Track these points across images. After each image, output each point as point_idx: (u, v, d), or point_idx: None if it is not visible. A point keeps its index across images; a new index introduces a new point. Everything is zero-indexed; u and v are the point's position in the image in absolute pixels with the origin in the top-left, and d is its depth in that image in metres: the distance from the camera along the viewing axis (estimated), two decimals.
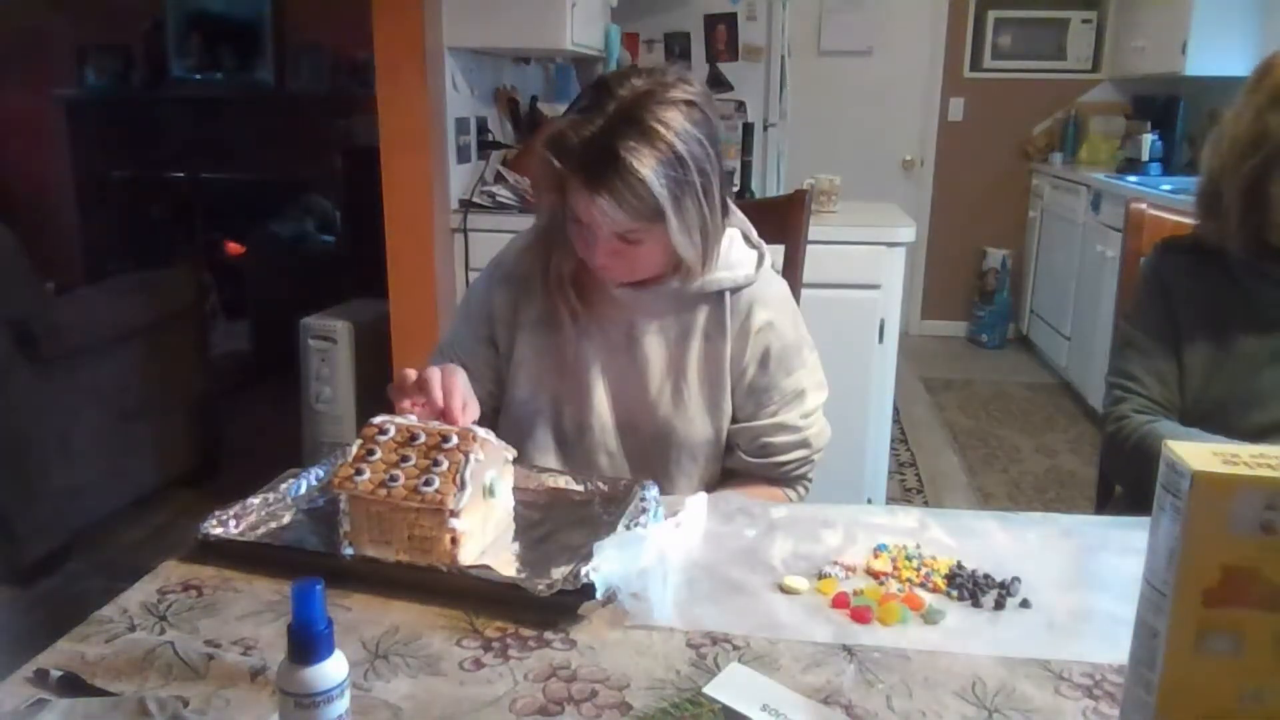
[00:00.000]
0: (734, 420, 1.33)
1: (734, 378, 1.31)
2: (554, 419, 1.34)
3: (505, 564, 0.99)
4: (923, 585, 0.97)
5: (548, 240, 1.30)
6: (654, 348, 1.30)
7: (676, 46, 3.62)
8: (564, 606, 0.90)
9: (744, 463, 1.34)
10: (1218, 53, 4.13)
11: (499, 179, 2.78)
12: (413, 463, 0.99)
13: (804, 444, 1.33)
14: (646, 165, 1.10)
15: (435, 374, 1.10)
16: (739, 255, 1.31)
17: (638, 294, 1.28)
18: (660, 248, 1.20)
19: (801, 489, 1.38)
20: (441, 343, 1.42)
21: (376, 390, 3.17)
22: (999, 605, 0.94)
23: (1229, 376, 1.33)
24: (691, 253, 1.20)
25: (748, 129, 2.91)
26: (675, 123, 1.12)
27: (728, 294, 1.29)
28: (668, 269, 1.25)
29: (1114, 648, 0.81)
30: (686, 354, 1.30)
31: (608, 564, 0.93)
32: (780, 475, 1.35)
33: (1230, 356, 1.33)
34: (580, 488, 1.18)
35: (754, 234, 1.35)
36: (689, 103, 1.15)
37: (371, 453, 1.00)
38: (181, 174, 5.20)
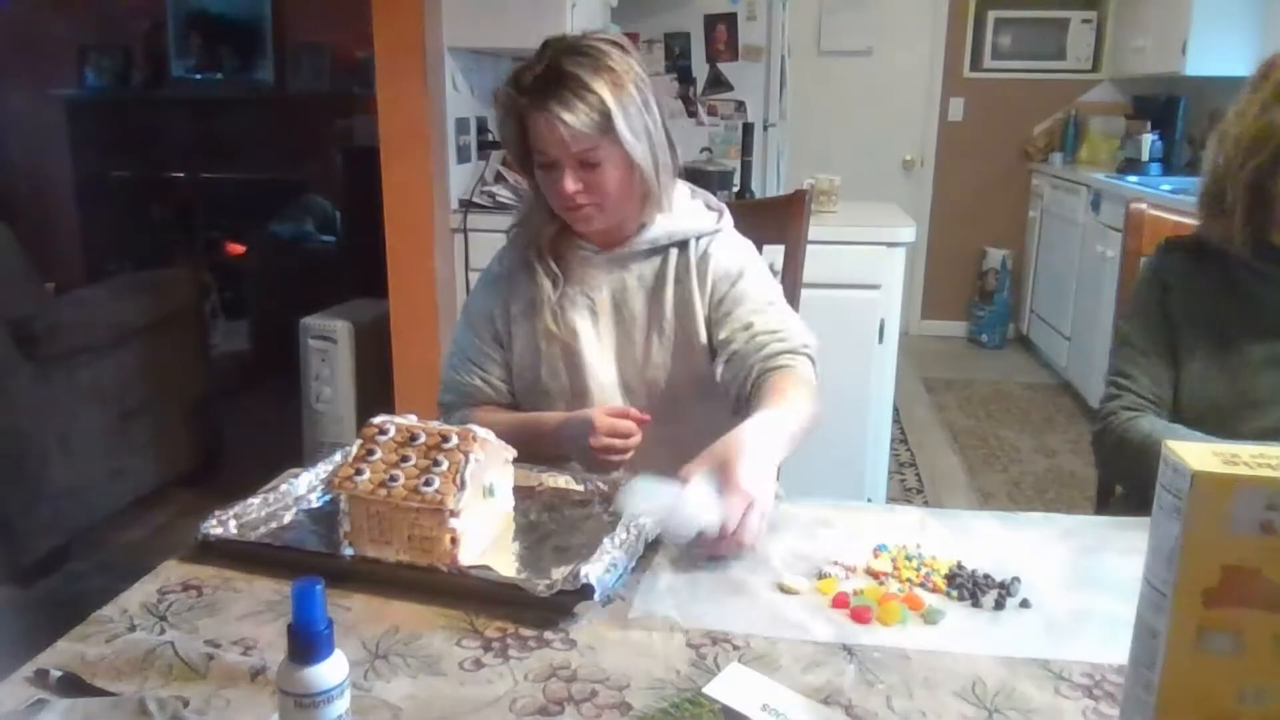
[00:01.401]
0: (714, 347, 1.40)
1: (709, 308, 1.40)
2: (558, 393, 1.42)
3: (505, 564, 0.99)
4: (923, 585, 0.97)
5: (528, 227, 1.44)
6: (637, 304, 1.42)
7: (676, 46, 3.62)
8: (564, 606, 0.90)
9: (733, 350, 1.35)
10: (1218, 53, 4.13)
11: (499, 179, 2.78)
12: (413, 463, 0.99)
13: (783, 324, 1.36)
14: (588, 74, 1.28)
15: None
16: (701, 212, 1.45)
17: (613, 254, 1.41)
18: (617, 169, 1.33)
19: (805, 367, 1.33)
20: (453, 353, 1.51)
21: (376, 390, 3.16)
22: (999, 605, 0.94)
23: (1227, 379, 1.32)
24: (645, 158, 1.33)
25: (748, 129, 2.91)
26: (604, 47, 1.32)
27: (692, 241, 1.42)
28: (630, 205, 1.37)
29: (1114, 648, 0.81)
30: (663, 302, 1.41)
31: (637, 501, 1.00)
32: (779, 356, 1.33)
33: (1229, 359, 1.32)
34: (580, 488, 1.18)
35: (714, 201, 1.49)
36: (611, 40, 1.35)
37: (371, 453, 1.01)
38: (181, 174, 5.20)
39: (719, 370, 1.37)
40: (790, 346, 1.34)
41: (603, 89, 1.28)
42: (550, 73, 1.30)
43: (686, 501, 0.99)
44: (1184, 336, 1.35)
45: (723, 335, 1.38)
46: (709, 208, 1.47)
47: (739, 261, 1.42)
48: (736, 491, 0.99)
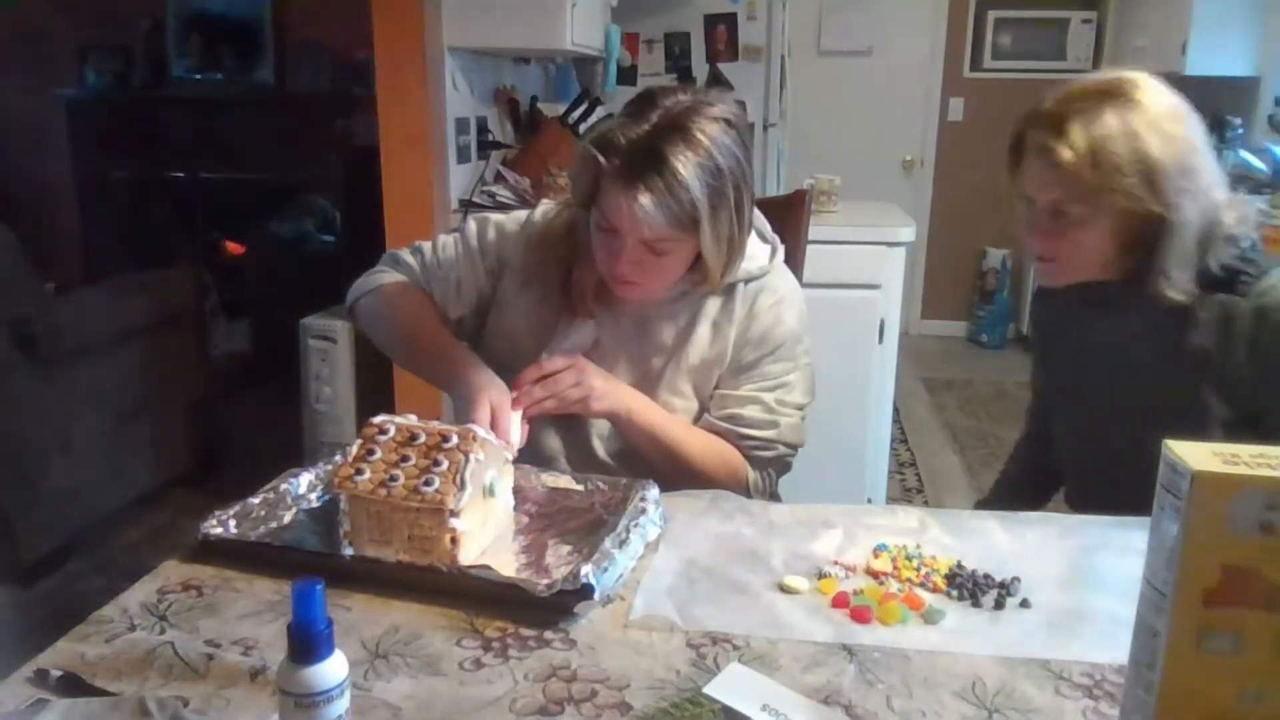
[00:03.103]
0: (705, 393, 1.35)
1: (730, 363, 1.34)
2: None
3: (505, 564, 0.99)
4: (923, 585, 0.97)
5: (573, 246, 1.31)
6: (665, 332, 1.33)
7: (676, 46, 3.62)
8: (564, 606, 0.90)
9: (711, 424, 1.33)
10: (1218, 53, 4.13)
11: (499, 179, 2.78)
12: (413, 463, 0.99)
13: (773, 425, 1.32)
14: (689, 169, 1.13)
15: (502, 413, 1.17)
16: (754, 249, 1.33)
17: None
18: (682, 261, 1.24)
19: (764, 478, 1.36)
20: (428, 254, 1.40)
21: (376, 390, 3.16)
22: (999, 605, 0.94)
23: (1070, 413, 1.44)
24: (717, 262, 1.23)
25: (748, 129, 2.91)
26: (717, 136, 1.16)
27: (740, 285, 1.32)
28: (681, 282, 1.29)
29: (1114, 648, 0.81)
30: (692, 337, 1.32)
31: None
32: (743, 449, 1.33)
33: (1069, 393, 1.43)
34: (580, 488, 1.18)
35: (768, 230, 1.39)
36: (728, 121, 1.19)
37: (371, 453, 1.00)
38: (181, 174, 5.19)
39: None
40: (762, 454, 1.33)
41: (699, 191, 1.14)
42: (646, 148, 1.14)
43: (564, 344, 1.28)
44: (1043, 373, 1.49)
45: (714, 397, 1.34)
46: (763, 238, 1.37)
47: (784, 331, 1.33)
48: (577, 363, 1.24)
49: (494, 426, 1.14)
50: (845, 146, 5.21)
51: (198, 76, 5.11)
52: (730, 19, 3.57)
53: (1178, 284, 1.18)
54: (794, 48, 4.20)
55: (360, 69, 4.57)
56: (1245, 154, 4.08)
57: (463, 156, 2.79)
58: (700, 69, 3.63)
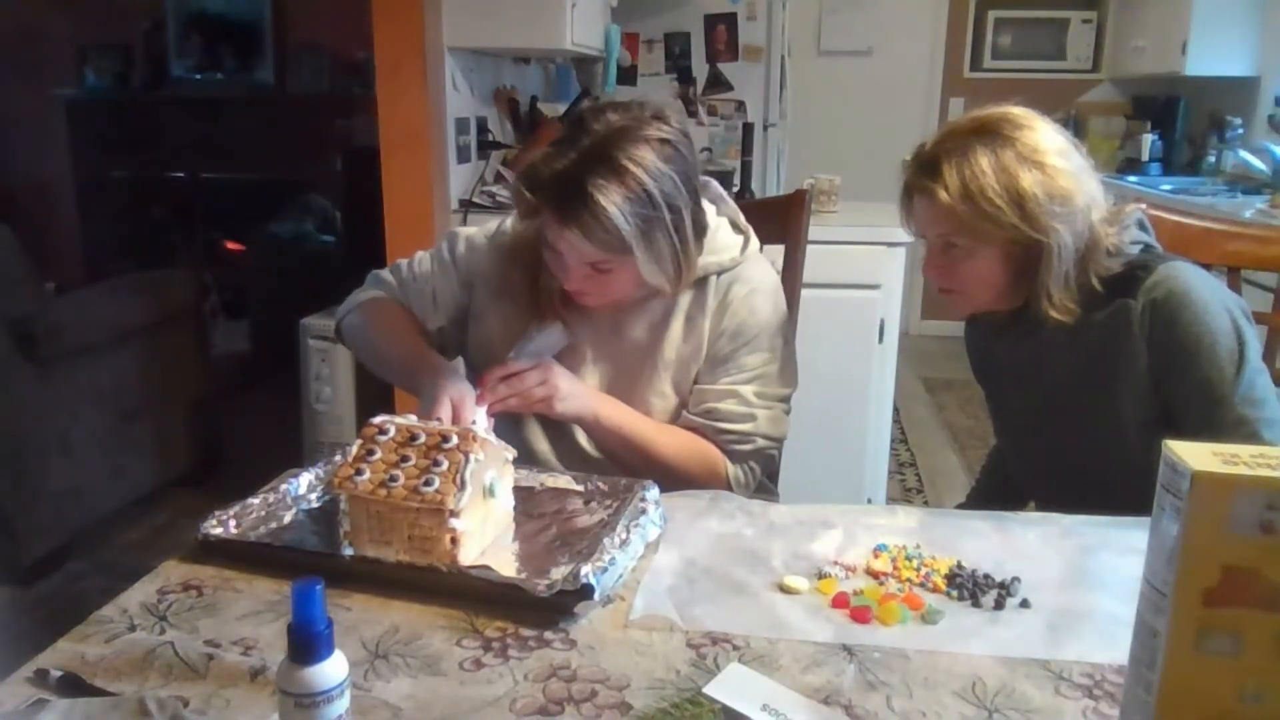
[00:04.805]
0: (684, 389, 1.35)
1: (706, 356, 1.34)
2: None
3: (505, 564, 0.99)
4: (923, 585, 0.97)
5: (540, 253, 1.31)
6: (639, 329, 1.33)
7: (676, 46, 3.62)
8: (564, 606, 0.90)
9: (688, 421, 1.33)
10: (1218, 53, 4.13)
11: (499, 179, 2.78)
12: (413, 463, 0.99)
13: (750, 418, 1.32)
14: (614, 202, 1.12)
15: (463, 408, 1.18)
16: (725, 240, 1.34)
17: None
18: (631, 276, 1.24)
19: (744, 471, 1.35)
20: (405, 270, 1.42)
21: (376, 390, 3.16)
22: (999, 605, 0.94)
23: (1003, 430, 1.55)
24: (661, 279, 1.23)
25: (748, 129, 2.91)
26: (647, 160, 1.15)
27: (713, 277, 1.33)
28: (641, 289, 1.29)
29: (1114, 648, 0.82)
30: (666, 333, 1.33)
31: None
32: (720, 444, 1.32)
33: (1000, 411, 1.53)
34: (580, 488, 1.18)
35: (741, 219, 1.39)
36: (663, 140, 1.17)
37: (371, 453, 1.01)
38: (181, 174, 5.20)
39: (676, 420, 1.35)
40: (740, 447, 1.32)
41: (626, 223, 1.12)
42: (569, 183, 1.13)
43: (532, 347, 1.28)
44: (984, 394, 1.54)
45: (691, 393, 1.34)
46: (736, 228, 1.36)
47: (758, 322, 1.33)
48: (543, 364, 1.25)
49: (455, 421, 1.15)
50: (845, 146, 5.20)
51: (198, 76, 5.12)
52: (730, 19, 3.57)
53: (1059, 304, 1.24)
54: (794, 48, 4.20)
55: (360, 69, 4.57)
56: (1245, 154, 4.08)
57: (463, 156, 2.79)
58: (700, 69, 3.63)
